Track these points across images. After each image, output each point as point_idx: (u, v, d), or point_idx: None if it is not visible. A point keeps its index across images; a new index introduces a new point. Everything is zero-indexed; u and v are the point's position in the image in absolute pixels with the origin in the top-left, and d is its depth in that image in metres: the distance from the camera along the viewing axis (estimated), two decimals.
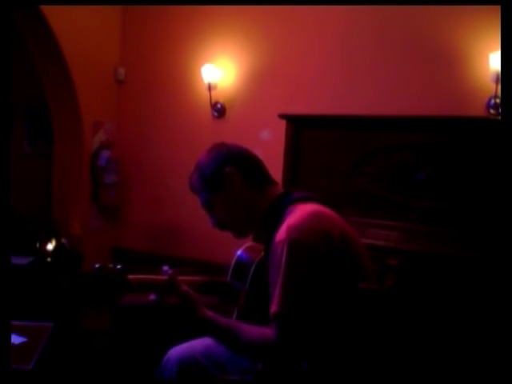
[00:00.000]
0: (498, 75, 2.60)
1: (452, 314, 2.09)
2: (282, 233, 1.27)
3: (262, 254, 1.47)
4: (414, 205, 2.32)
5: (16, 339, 1.93)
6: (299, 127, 2.60)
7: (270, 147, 3.04)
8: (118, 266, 1.29)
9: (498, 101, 2.65)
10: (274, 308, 1.23)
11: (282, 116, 2.65)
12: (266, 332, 1.24)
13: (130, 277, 1.31)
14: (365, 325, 1.30)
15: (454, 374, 2.07)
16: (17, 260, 3.07)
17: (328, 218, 1.32)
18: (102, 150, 3.75)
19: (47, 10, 3.17)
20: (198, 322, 1.29)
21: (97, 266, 1.28)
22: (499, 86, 2.61)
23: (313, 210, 1.32)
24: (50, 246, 3.26)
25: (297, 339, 1.21)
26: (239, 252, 1.61)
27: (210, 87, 3.44)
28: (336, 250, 1.26)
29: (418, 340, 2.11)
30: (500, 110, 2.64)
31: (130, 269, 1.36)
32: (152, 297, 1.30)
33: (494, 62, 2.62)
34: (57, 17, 3.25)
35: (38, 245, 3.26)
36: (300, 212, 1.31)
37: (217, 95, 3.49)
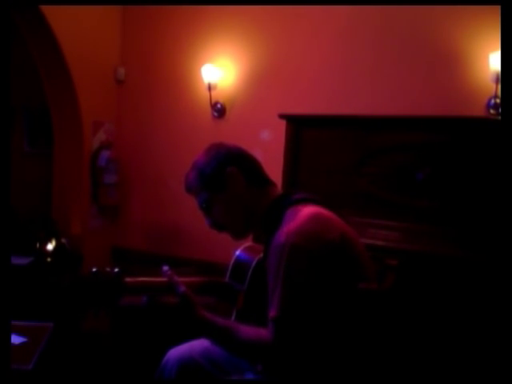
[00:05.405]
0: (498, 75, 2.60)
1: (452, 314, 2.09)
2: (281, 236, 1.26)
3: (261, 254, 1.47)
4: (414, 205, 2.32)
5: (16, 339, 1.93)
6: (299, 127, 2.60)
7: (269, 147, 3.05)
8: (116, 270, 1.29)
9: (498, 101, 2.65)
10: (273, 312, 1.22)
11: (282, 116, 2.64)
12: (263, 334, 1.24)
13: (128, 279, 1.30)
14: (365, 325, 1.30)
15: (454, 373, 2.07)
16: (17, 260, 3.08)
17: (328, 221, 1.31)
18: (102, 150, 3.75)
19: (47, 9, 3.17)
20: (195, 322, 1.29)
21: (94, 269, 1.27)
22: (499, 86, 2.61)
23: (312, 213, 1.31)
24: (50, 246, 3.26)
25: (293, 343, 1.21)
26: (238, 252, 1.61)
27: (210, 87, 3.44)
28: (336, 253, 1.26)
29: (417, 340, 2.11)
30: (500, 110, 2.64)
31: (130, 269, 1.35)
32: (143, 299, 1.30)
33: (494, 61, 2.61)
34: (57, 17, 3.25)
35: (38, 245, 3.26)
36: (299, 215, 1.30)
37: (217, 95, 3.49)
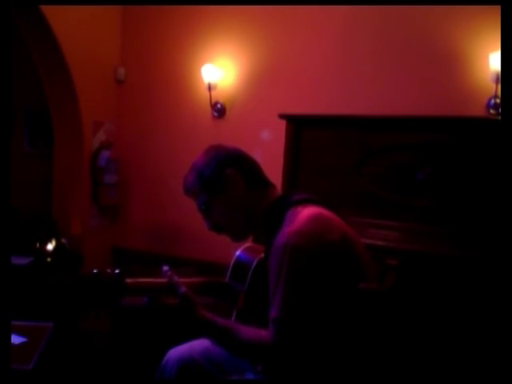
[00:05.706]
0: (498, 75, 2.60)
1: (452, 314, 2.09)
2: (282, 237, 1.26)
3: (262, 255, 1.47)
4: (413, 205, 2.32)
5: (16, 339, 1.93)
6: (299, 127, 2.60)
7: (270, 147, 3.05)
8: (116, 271, 1.29)
9: (498, 101, 2.65)
10: (274, 313, 1.22)
11: (282, 116, 2.64)
12: (264, 334, 1.24)
13: (129, 281, 1.30)
14: (365, 325, 1.30)
15: (454, 373, 2.07)
16: (17, 260, 3.07)
17: (328, 221, 1.31)
18: (102, 150, 3.75)
19: (47, 10, 3.17)
20: (196, 322, 1.29)
21: (95, 271, 1.27)
22: (499, 86, 2.61)
23: (313, 214, 1.30)
24: (50, 246, 3.26)
25: (294, 343, 1.21)
26: (238, 252, 1.61)
27: (210, 87, 3.44)
28: (336, 254, 1.26)
29: (418, 340, 2.11)
30: (500, 110, 2.64)
31: (130, 269, 1.35)
32: (144, 300, 1.30)
33: (494, 61, 2.61)
34: (57, 17, 3.25)
35: (38, 245, 3.26)
36: (300, 216, 1.30)
37: (217, 95, 3.49)
